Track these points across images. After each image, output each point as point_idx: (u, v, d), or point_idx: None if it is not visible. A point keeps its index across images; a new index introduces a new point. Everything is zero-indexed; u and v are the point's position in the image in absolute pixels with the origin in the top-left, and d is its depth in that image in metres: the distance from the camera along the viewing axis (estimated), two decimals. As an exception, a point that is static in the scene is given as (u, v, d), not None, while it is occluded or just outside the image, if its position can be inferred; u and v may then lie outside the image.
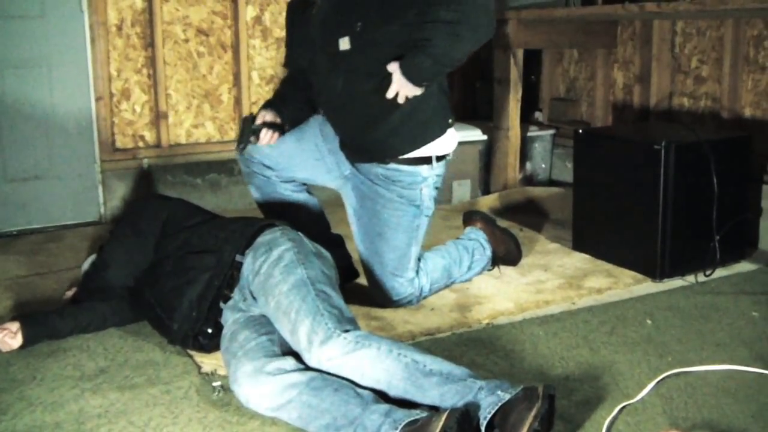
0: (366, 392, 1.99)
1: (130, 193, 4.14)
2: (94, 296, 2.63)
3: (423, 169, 2.73)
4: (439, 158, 2.76)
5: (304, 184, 2.94)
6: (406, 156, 2.71)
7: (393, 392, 2.03)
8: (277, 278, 2.24)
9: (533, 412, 1.85)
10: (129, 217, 2.73)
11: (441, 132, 2.74)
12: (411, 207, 2.75)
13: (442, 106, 2.74)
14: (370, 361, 2.04)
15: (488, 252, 3.10)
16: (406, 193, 2.74)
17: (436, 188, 2.82)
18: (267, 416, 2.04)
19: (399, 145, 2.70)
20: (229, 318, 2.34)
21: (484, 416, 1.90)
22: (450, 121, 2.78)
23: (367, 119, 2.67)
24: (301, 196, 2.93)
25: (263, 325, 2.26)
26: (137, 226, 2.62)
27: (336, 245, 2.93)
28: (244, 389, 2.05)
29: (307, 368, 2.07)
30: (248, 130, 2.77)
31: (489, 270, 3.16)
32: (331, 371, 2.06)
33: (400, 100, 2.59)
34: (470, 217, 3.23)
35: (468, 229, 3.17)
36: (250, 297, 2.33)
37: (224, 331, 2.31)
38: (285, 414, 2.00)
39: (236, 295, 2.38)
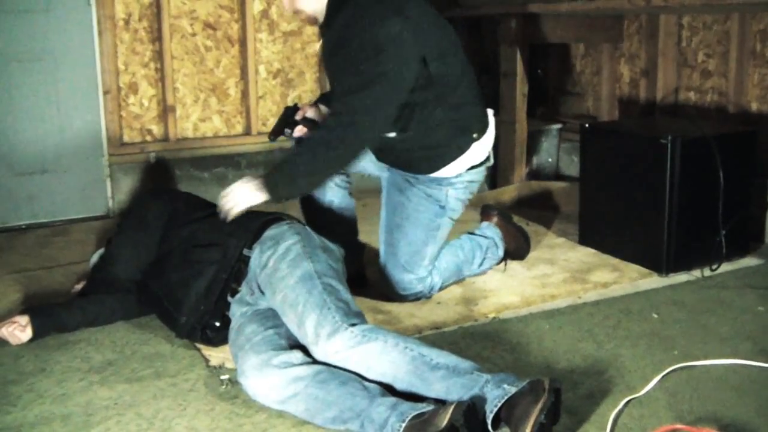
0: (372, 385, 2.01)
1: (137, 187, 4.16)
2: (102, 289, 2.64)
3: (450, 177, 2.74)
4: (473, 167, 2.75)
5: (350, 182, 2.94)
6: (429, 175, 2.73)
7: (399, 385, 2.04)
8: (283, 272, 2.26)
9: (539, 406, 1.85)
10: (135, 210, 2.74)
11: (461, 151, 2.69)
12: (434, 205, 2.75)
13: (458, 127, 2.67)
14: (377, 354, 2.05)
15: (500, 251, 3.10)
16: (432, 192, 2.74)
17: (471, 192, 2.82)
18: (274, 409, 2.06)
19: (419, 168, 2.72)
20: (236, 311, 2.35)
21: (491, 409, 1.91)
22: (475, 135, 2.70)
23: (381, 149, 2.71)
24: (340, 193, 2.90)
25: (270, 318, 2.27)
26: (144, 220, 2.63)
27: (353, 251, 2.92)
28: (251, 382, 2.06)
29: (314, 361, 2.09)
30: (285, 120, 2.76)
31: (496, 266, 3.16)
32: (338, 364, 2.07)
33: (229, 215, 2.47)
34: (487, 211, 3.22)
35: (484, 224, 3.17)
36: (257, 290, 2.34)
37: (232, 325, 2.32)
38: (292, 407, 2.02)
39: (243, 288, 2.39)
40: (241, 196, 2.47)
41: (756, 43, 3.69)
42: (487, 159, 2.81)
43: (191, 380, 2.26)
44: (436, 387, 1.99)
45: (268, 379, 2.04)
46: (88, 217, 4.06)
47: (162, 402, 2.14)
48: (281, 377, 2.03)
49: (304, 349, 2.13)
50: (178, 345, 2.49)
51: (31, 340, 2.49)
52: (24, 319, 2.49)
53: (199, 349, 2.45)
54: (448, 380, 1.99)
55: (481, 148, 2.74)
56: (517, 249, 3.20)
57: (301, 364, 2.06)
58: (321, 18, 2.61)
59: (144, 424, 2.03)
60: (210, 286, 2.39)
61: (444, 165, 2.70)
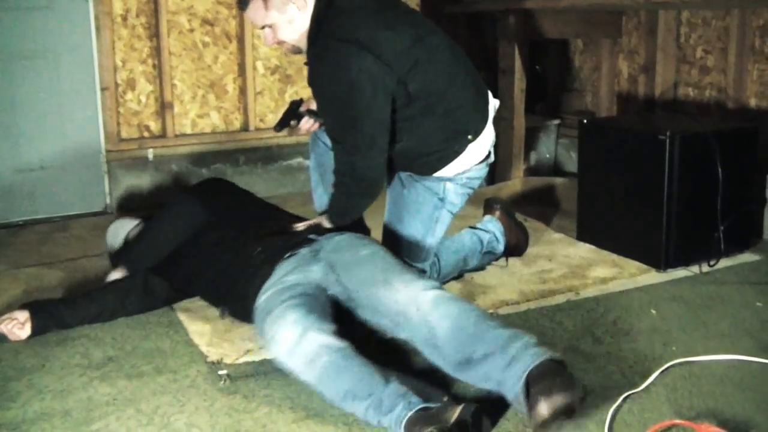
0: (392, 376, 2.01)
1: (135, 183, 4.16)
2: (131, 265, 2.71)
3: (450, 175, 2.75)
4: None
5: None
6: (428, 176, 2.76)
7: (461, 330, 2.08)
8: (369, 245, 2.46)
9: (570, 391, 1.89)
10: (195, 188, 2.94)
11: (458, 154, 2.68)
12: (433, 197, 2.75)
13: (452, 131, 2.66)
14: (449, 297, 2.18)
15: (501, 246, 3.09)
16: (431, 185, 2.75)
17: (471, 188, 2.81)
18: (274, 403, 2.07)
19: (419, 172, 2.74)
20: (279, 272, 2.40)
21: (528, 366, 1.92)
22: (470, 137, 2.68)
23: None
24: None
25: (314, 296, 2.31)
26: (200, 196, 2.80)
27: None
28: (281, 340, 2.11)
29: (344, 339, 2.13)
30: (292, 112, 2.81)
31: (496, 262, 3.16)
32: (412, 301, 2.17)
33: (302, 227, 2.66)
34: (490, 205, 3.22)
35: (487, 218, 3.17)
36: (322, 255, 2.43)
37: (269, 285, 2.36)
38: (308, 372, 2.04)
39: (303, 250, 2.47)
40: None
41: (755, 39, 3.70)
42: (488, 156, 2.81)
43: (191, 376, 2.26)
44: (488, 337, 2.04)
45: (298, 340, 2.08)
46: (87, 214, 4.06)
47: (162, 398, 2.14)
48: (311, 341, 2.07)
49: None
50: (177, 341, 2.49)
51: (30, 338, 2.49)
52: (23, 315, 2.49)
53: (197, 346, 2.45)
54: (497, 330, 2.05)
55: (479, 147, 2.73)
56: (517, 245, 3.20)
57: (333, 335, 2.10)
58: (304, 47, 2.63)
59: (144, 420, 2.03)
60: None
61: (442, 167, 2.70)
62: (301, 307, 2.19)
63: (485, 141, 2.75)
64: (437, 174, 2.72)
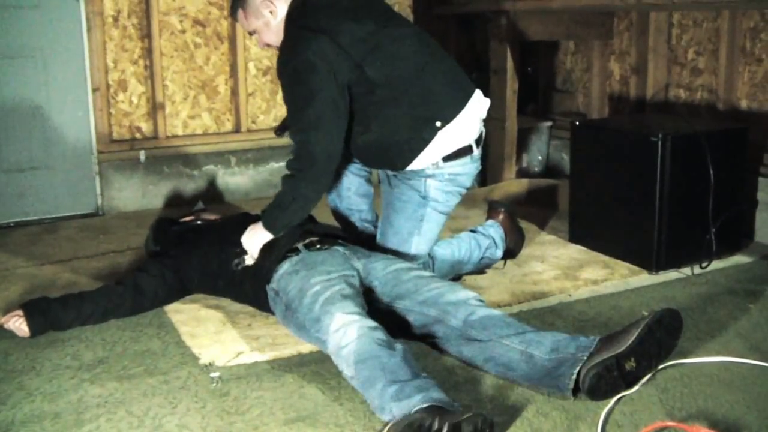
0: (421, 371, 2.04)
1: (127, 185, 4.14)
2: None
3: (426, 168, 2.74)
4: (447, 158, 2.73)
5: (366, 169, 3.01)
6: (406, 169, 2.76)
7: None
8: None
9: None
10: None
11: (426, 143, 2.67)
12: (416, 195, 2.77)
13: (420, 119, 2.67)
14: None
15: (499, 252, 3.07)
16: (412, 183, 2.77)
17: (459, 185, 2.81)
18: (266, 405, 2.07)
19: (394, 164, 2.77)
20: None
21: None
22: (438, 124, 2.67)
23: (356, 152, 2.82)
24: (357, 180, 3.01)
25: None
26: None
27: (372, 236, 2.99)
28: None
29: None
30: None
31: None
32: None
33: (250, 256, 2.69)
34: (495, 208, 3.21)
35: (489, 222, 3.15)
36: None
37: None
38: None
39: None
40: (252, 243, 2.68)
41: (746, 40, 3.70)
42: (469, 149, 2.76)
43: (182, 378, 2.25)
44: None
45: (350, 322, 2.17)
46: (78, 215, 4.04)
47: (153, 399, 2.13)
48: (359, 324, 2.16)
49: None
50: (168, 343, 2.48)
51: (30, 338, 2.49)
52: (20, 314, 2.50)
53: (189, 347, 2.44)
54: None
55: (451, 135, 2.70)
56: (512, 250, 3.20)
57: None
58: None
59: (135, 422, 2.02)
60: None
61: (414, 157, 2.71)
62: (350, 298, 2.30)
63: (458, 130, 2.71)
64: (412, 167, 2.72)
